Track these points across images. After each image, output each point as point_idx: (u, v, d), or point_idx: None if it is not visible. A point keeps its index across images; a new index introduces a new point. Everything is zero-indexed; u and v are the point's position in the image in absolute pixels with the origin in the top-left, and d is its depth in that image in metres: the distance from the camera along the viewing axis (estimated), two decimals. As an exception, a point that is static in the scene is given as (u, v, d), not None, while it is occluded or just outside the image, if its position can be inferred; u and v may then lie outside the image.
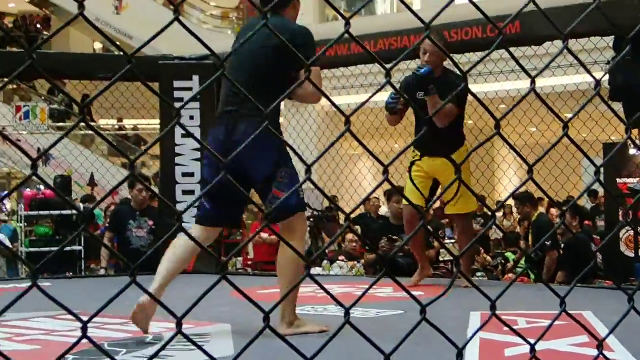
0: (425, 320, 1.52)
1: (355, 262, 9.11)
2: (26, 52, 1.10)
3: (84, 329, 1.21)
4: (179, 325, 1.27)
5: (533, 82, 1.62)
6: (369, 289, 1.62)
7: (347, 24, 1.24)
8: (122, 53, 16.64)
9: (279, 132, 4.23)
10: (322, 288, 1.49)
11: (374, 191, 1.66)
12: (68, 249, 9.58)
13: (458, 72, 5.53)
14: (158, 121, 9.63)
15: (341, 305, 1.48)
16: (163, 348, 1.37)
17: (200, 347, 1.36)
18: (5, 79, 9.40)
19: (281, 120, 6.16)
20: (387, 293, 5.72)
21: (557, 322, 4.16)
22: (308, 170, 1.29)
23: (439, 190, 6.43)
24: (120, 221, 8.37)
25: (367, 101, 1.46)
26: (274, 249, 10.30)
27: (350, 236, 10.22)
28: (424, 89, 5.93)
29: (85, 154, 14.44)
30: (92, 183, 14.52)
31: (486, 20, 6.44)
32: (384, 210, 12.50)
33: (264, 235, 10.12)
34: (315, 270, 9.49)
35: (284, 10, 4.25)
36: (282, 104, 6.31)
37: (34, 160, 1.12)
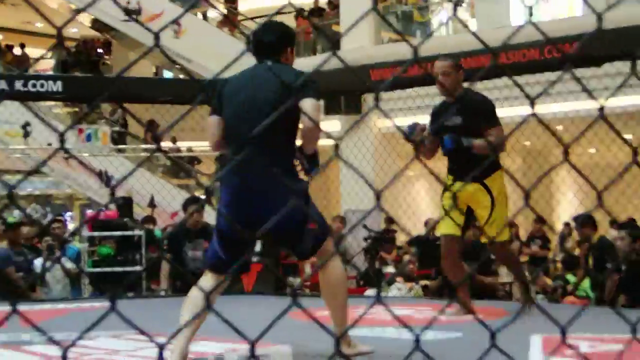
0: (494, 347, 1.52)
1: (413, 284, 9.08)
2: (109, 79, 1.15)
3: (161, 350, 1.24)
4: (252, 347, 1.29)
5: (602, 108, 1.62)
6: (435, 317, 1.63)
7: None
8: (185, 77, 16.92)
9: (294, 171, 4.20)
10: (392, 314, 1.50)
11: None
12: (129, 269, 9.72)
13: (474, 90, 5.48)
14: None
15: (410, 329, 1.49)
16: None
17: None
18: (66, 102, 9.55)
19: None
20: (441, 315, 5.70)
21: (617, 347, 4.12)
22: (378, 197, 1.31)
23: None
24: (175, 243, 8.45)
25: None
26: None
27: (407, 257, 10.22)
28: (462, 148, 5.47)
29: (145, 176, 14.71)
30: (151, 204, 14.67)
31: (543, 42, 6.37)
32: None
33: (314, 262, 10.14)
34: (372, 292, 9.48)
35: (280, 56, 4.24)
36: (336, 126, 6.38)
37: (112, 188, 1.16)
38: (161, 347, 1.24)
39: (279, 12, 21.19)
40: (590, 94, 1.76)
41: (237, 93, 4.10)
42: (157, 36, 1.13)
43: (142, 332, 1.25)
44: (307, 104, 3.89)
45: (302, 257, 4.57)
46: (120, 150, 17.05)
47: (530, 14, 1.44)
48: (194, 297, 4.06)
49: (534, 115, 1.41)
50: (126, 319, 1.22)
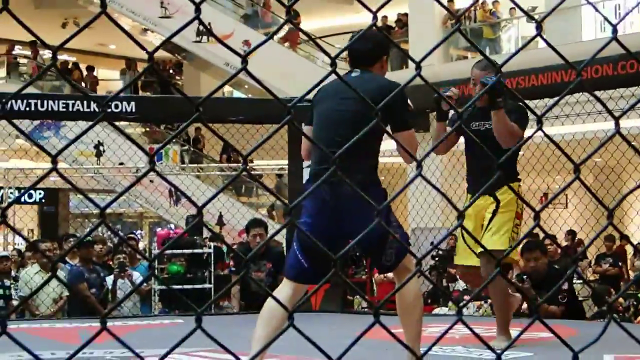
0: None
1: (482, 302, 8.97)
2: (191, 102, 1.18)
3: None
4: None
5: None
6: (522, 333, 1.62)
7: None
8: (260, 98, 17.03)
9: (380, 185, 4.21)
10: (474, 333, 1.49)
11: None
12: (199, 286, 9.81)
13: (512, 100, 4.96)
14: (284, 161, 9.84)
15: (492, 349, 1.47)
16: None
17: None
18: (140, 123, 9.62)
19: (401, 160, 6.16)
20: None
21: None
22: (461, 216, 1.31)
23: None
24: (239, 263, 8.50)
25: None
26: (390, 285, 10.31)
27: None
28: (492, 102, 4.84)
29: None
30: (220, 222, 14.80)
31: (615, 58, 6.27)
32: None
33: (390, 275, 10.10)
34: (441, 310, 9.41)
35: (373, 67, 4.25)
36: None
37: (199, 211, 1.18)
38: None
39: (348, 32, 21.33)
40: (614, 113, 1.72)
41: (323, 101, 4.15)
42: (244, 59, 1.16)
43: (227, 350, 1.26)
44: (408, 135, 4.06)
45: (386, 270, 4.53)
46: (187, 169, 17.26)
47: (615, 31, 1.42)
48: (270, 309, 3.97)
49: (618, 134, 1.39)
50: (211, 336, 1.24)
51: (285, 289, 4.15)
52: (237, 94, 21.84)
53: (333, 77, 1.43)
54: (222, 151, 18.35)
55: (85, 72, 22.15)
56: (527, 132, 4.52)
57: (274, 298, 1.59)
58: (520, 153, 9.78)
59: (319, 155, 4.10)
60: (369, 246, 4.18)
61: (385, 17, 19.34)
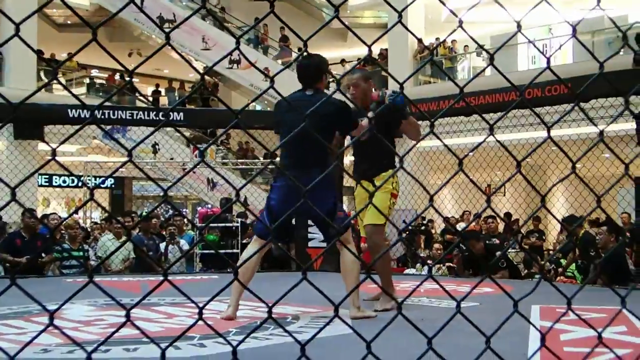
0: (517, 312, 1.50)
1: (441, 265, 8.98)
2: (232, 111, 1.18)
3: (269, 312, 1.24)
4: (336, 310, 1.29)
5: (602, 133, 1.58)
6: (474, 288, 1.62)
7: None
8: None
9: (332, 178, 4.45)
10: (441, 287, 1.49)
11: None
12: (229, 251, 9.83)
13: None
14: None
15: (454, 298, 1.48)
16: (329, 323, 1.40)
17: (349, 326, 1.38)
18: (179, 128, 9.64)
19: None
20: (463, 288, 5.65)
21: (597, 315, 4.02)
22: (431, 199, 1.31)
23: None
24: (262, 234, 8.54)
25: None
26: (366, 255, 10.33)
27: (437, 245, 10.13)
28: (403, 113, 4.64)
29: (242, 182, 14.93)
30: (244, 204, 14.87)
31: (543, 84, 6.18)
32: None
33: (363, 245, 10.12)
34: (410, 271, 9.42)
35: (319, 83, 4.37)
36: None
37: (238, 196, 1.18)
38: (270, 307, 1.24)
39: (343, 61, 21.30)
40: (592, 121, 1.72)
41: (288, 113, 4.29)
42: (272, 80, 1.16)
43: (254, 295, 1.26)
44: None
45: (331, 238, 4.60)
46: (224, 163, 17.30)
47: (548, 61, 1.42)
48: (246, 264, 4.26)
49: (550, 139, 1.40)
50: (249, 289, 1.24)
51: (254, 244, 4.50)
52: (257, 107, 21.86)
53: (289, 93, 1.44)
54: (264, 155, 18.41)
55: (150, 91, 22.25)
56: (480, 138, 4.55)
57: (292, 259, 1.59)
58: (470, 154, 9.73)
59: (287, 154, 4.31)
60: (321, 220, 4.38)
61: (370, 51, 19.31)
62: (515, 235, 10.76)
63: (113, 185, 21.91)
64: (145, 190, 22.22)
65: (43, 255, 8.28)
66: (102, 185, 21.34)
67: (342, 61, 21.54)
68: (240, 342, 1.23)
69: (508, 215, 14.07)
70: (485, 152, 9.06)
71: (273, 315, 1.10)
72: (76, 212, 1.32)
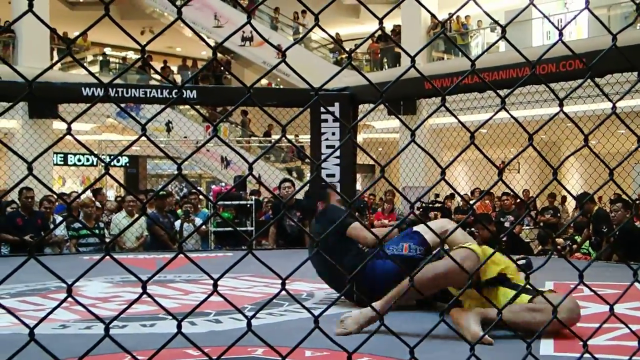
0: (529, 285, 1.50)
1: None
2: (245, 88, 1.18)
3: (283, 284, 1.25)
4: (349, 282, 1.29)
5: (614, 106, 1.57)
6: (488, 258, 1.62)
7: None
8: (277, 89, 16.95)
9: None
10: (455, 261, 1.49)
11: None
12: (243, 228, 9.87)
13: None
14: (307, 135, 9.87)
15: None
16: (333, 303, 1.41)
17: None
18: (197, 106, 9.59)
19: (397, 136, 6.16)
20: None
21: (612, 291, 4.02)
22: (442, 173, 1.31)
23: None
24: (277, 212, 8.55)
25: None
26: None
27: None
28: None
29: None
30: (258, 181, 14.91)
31: (558, 58, 6.10)
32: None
33: (385, 221, 10.14)
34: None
35: (329, 199, 4.32)
36: (397, 123, 6.41)
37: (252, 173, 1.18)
38: (283, 279, 1.25)
39: (354, 39, 21.18)
40: (606, 96, 1.71)
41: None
42: (284, 54, 1.16)
43: (271, 269, 1.27)
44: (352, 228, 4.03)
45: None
46: (238, 142, 17.34)
47: (561, 34, 1.41)
48: None
49: (562, 112, 1.39)
50: (263, 262, 1.25)
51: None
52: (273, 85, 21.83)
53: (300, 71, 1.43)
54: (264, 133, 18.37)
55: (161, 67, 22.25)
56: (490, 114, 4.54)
57: (307, 233, 1.60)
58: (484, 131, 9.73)
59: None
60: None
61: (383, 28, 19.18)
62: (528, 212, 10.73)
63: (127, 164, 22.01)
64: (159, 169, 22.31)
65: (55, 234, 8.37)
66: (117, 164, 21.48)
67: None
68: (254, 315, 1.24)
69: (526, 191, 14.00)
70: (499, 129, 9.01)
71: (288, 292, 1.11)
72: (92, 186, 1.33)
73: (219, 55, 23.42)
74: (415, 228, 3.79)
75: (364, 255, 3.82)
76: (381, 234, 3.67)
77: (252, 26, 1.14)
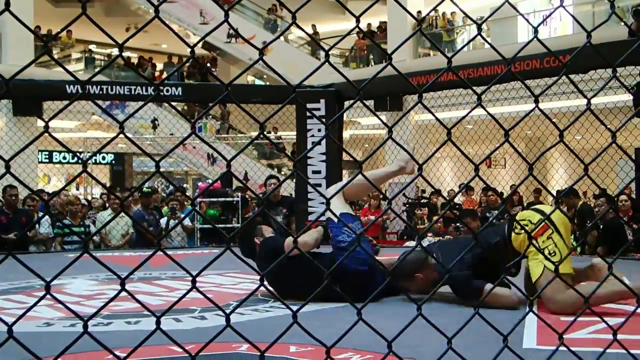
0: (506, 279, 1.52)
1: (441, 237, 9.03)
2: (223, 85, 1.19)
3: (261, 280, 1.27)
4: (327, 278, 1.30)
5: (589, 102, 1.58)
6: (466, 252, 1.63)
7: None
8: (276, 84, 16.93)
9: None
10: (434, 258, 1.50)
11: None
12: (229, 225, 9.86)
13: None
14: (293, 132, 9.86)
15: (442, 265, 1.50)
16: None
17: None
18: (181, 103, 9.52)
19: (383, 132, 6.24)
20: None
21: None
22: (420, 169, 1.33)
23: None
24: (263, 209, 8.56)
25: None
26: (376, 226, 10.38)
27: (435, 217, 10.15)
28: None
29: (242, 157, 15.05)
30: (245, 178, 14.90)
31: (542, 55, 6.15)
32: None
33: (372, 217, 10.16)
34: (410, 243, 9.47)
35: (262, 234, 4.30)
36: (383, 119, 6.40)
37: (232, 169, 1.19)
38: (262, 276, 1.26)
39: (338, 36, 21.14)
40: (581, 92, 1.72)
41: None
42: (261, 52, 1.17)
43: (252, 268, 1.28)
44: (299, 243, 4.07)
45: None
46: (224, 139, 17.32)
47: (536, 31, 1.43)
48: None
49: (537, 109, 1.41)
50: (243, 260, 1.26)
51: None
52: (258, 82, 21.80)
53: (285, 67, 1.43)
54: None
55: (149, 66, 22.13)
56: (480, 111, 4.55)
57: (289, 232, 1.61)
58: (469, 127, 9.79)
59: None
60: None
61: (369, 24, 19.22)
62: (504, 209, 10.78)
63: (113, 161, 21.93)
64: (145, 166, 22.24)
65: (40, 232, 8.33)
66: (103, 161, 21.39)
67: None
68: (233, 310, 1.25)
69: (512, 188, 14.06)
70: (484, 125, 9.06)
71: (267, 287, 1.12)
72: (69, 184, 1.32)
73: (204, 52, 23.34)
74: (333, 209, 3.78)
75: (326, 256, 3.98)
76: (311, 238, 3.71)
77: (229, 24, 1.15)
